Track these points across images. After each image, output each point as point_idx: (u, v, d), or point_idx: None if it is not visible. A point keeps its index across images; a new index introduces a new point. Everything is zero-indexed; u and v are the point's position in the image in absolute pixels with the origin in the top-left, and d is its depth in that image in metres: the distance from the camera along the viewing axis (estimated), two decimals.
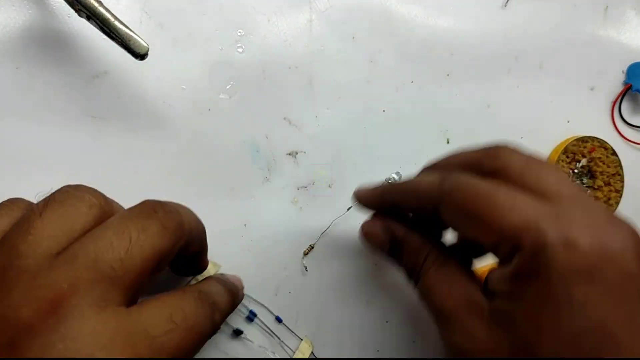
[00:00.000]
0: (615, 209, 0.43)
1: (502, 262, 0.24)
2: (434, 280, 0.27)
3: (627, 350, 0.21)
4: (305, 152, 0.36)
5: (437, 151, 0.40)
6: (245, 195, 0.35)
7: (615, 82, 0.44)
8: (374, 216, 0.32)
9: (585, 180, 0.42)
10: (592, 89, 0.44)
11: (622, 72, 0.44)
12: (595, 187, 0.42)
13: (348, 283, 0.37)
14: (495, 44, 0.41)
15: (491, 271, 0.25)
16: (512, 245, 0.22)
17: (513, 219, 0.22)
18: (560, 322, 0.21)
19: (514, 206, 0.22)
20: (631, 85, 0.43)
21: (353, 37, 0.38)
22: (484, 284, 0.26)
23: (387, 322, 0.37)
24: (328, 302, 0.36)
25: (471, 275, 0.27)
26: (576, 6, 0.43)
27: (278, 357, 0.35)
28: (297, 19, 0.36)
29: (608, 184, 0.43)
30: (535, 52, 0.42)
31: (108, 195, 0.32)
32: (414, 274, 0.29)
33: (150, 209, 0.21)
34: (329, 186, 0.37)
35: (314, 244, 0.36)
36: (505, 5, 0.41)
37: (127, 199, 0.32)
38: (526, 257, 0.22)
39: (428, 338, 0.38)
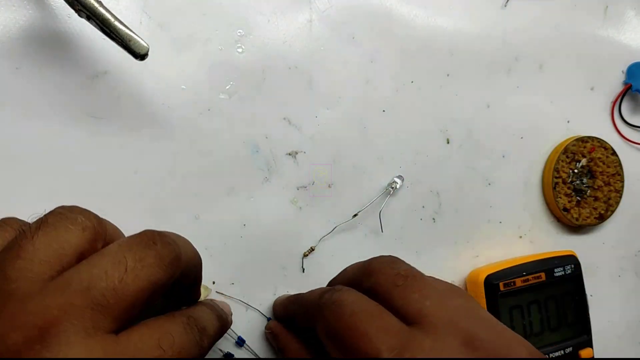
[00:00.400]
0: (615, 209, 0.43)
1: None
2: None
3: None
4: (305, 152, 0.36)
5: (437, 151, 0.40)
6: (244, 195, 0.35)
7: (615, 82, 0.44)
8: (269, 326, 0.34)
9: (585, 180, 0.42)
10: (592, 89, 0.44)
11: (622, 72, 0.44)
12: (595, 187, 0.42)
13: None
14: (495, 44, 0.41)
15: None
16: None
17: (357, 346, 0.23)
18: None
19: (366, 333, 0.23)
20: (631, 85, 0.43)
21: (353, 37, 0.38)
22: None
23: None
24: None
25: None
26: (576, 6, 0.43)
27: None
28: (297, 19, 0.36)
29: (608, 184, 0.43)
30: (535, 52, 0.42)
31: (108, 195, 0.32)
32: None
33: (149, 239, 0.21)
34: (329, 186, 0.37)
35: (314, 247, 0.36)
36: (505, 5, 0.41)
37: (127, 199, 0.32)
38: None
39: None
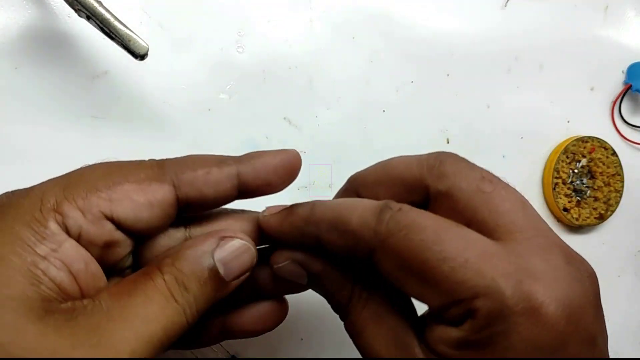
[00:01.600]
0: (615, 209, 0.43)
1: (447, 323, 0.20)
2: (361, 321, 0.23)
3: None
4: (305, 152, 0.36)
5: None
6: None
7: (615, 82, 0.44)
8: (283, 254, 0.24)
9: (585, 180, 0.42)
10: (592, 89, 0.44)
11: (622, 72, 0.44)
12: (595, 187, 0.42)
13: None
14: (495, 44, 0.41)
15: (431, 325, 0.21)
16: (463, 310, 0.19)
17: (466, 277, 0.18)
18: None
19: (467, 260, 0.19)
20: (631, 85, 0.43)
21: (353, 37, 0.38)
22: (422, 320, 0.22)
23: None
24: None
25: (404, 312, 0.23)
26: (576, 6, 0.43)
27: None
28: (297, 19, 0.36)
29: (608, 184, 0.43)
30: (535, 52, 0.42)
31: None
32: (340, 310, 0.24)
33: None
34: (329, 186, 0.37)
35: None
36: (505, 5, 0.41)
37: None
38: (480, 325, 0.18)
39: None
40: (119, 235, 0.21)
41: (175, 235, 0.23)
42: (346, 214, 0.21)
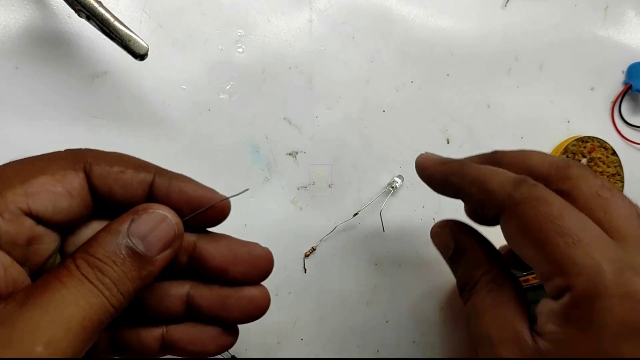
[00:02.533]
0: None
1: (550, 296, 0.23)
2: (482, 305, 0.26)
3: None
4: (305, 152, 0.36)
5: (437, 151, 0.40)
6: (245, 195, 0.35)
7: (615, 82, 0.44)
8: (446, 221, 0.30)
9: None
10: (592, 89, 0.44)
11: (622, 72, 0.44)
12: None
13: (348, 283, 0.37)
14: (495, 44, 0.41)
15: (541, 303, 0.24)
16: (565, 283, 0.21)
17: (576, 254, 0.21)
18: None
19: (580, 240, 0.21)
20: (631, 85, 0.43)
21: (353, 37, 0.38)
22: (534, 314, 0.25)
23: (387, 322, 0.37)
24: (328, 302, 0.36)
25: (522, 303, 0.25)
26: (576, 6, 0.43)
27: None
28: (297, 19, 0.36)
29: None
30: (535, 52, 0.42)
31: None
32: (466, 290, 0.27)
33: None
34: (329, 186, 0.37)
35: (315, 246, 0.36)
36: (505, 5, 0.41)
37: None
38: (578, 300, 0.21)
39: (428, 338, 0.38)
40: (40, 230, 0.20)
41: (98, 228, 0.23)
42: (489, 175, 0.25)
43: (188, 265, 0.24)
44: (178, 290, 0.24)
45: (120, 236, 0.20)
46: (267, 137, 0.36)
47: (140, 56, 0.28)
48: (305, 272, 0.36)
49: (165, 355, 0.25)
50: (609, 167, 0.42)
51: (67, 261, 0.19)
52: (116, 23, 0.27)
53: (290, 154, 0.36)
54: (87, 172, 0.21)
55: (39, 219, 0.20)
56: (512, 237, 0.24)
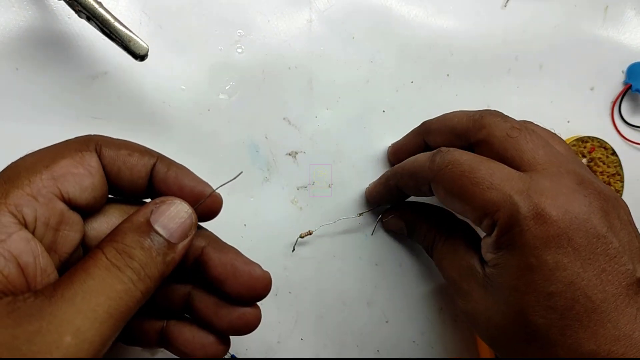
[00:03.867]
0: None
1: (486, 234, 0.27)
2: (441, 255, 0.32)
3: (599, 303, 0.23)
4: (305, 152, 0.36)
5: None
6: (244, 195, 0.35)
7: (615, 82, 0.44)
8: (390, 210, 0.36)
9: None
10: (592, 89, 0.44)
11: (622, 72, 0.44)
12: None
13: (348, 283, 0.37)
14: (495, 44, 0.41)
15: (483, 241, 0.29)
16: (491, 220, 0.26)
17: (491, 196, 0.25)
18: (536, 287, 0.24)
19: (492, 184, 0.25)
20: (631, 85, 0.43)
21: (353, 37, 0.38)
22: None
23: (387, 322, 0.37)
24: (328, 302, 0.36)
25: (473, 245, 0.30)
26: (576, 6, 0.43)
27: None
28: (297, 19, 0.36)
29: (608, 183, 0.43)
30: (535, 52, 0.42)
31: None
32: (429, 251, 0.33)
33: None
34: (329, 186, 0.37)
35: (312, 231, 0.36)
36: (505, 5, 0.41)
37: None
38: (502, 230, 0.25)
39: (428, 338, 0.38)
40: (70, 214, 0.21)
41: (114, 212, 0.24)
42: (411, 163, 0.31)
43: (193, 268, 0.25)
44: (181, 288, 0.25)
45: (144, 224, 0.21)
46: (266, 137, 0.36)
47: (140, 57, 0.28)
48: (293, 250, 0.35)
49: (159, 347, 0.26)
50: (609, 167, 0.42)
51: (94, 251, 0.20)
52: (116, 24, 0.27)
53: (290, 154, 0.36)
54: (98, 154, 0.23)
55: (68, 202, 0.21)
56: (442, 200, 0.29)
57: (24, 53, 0.31)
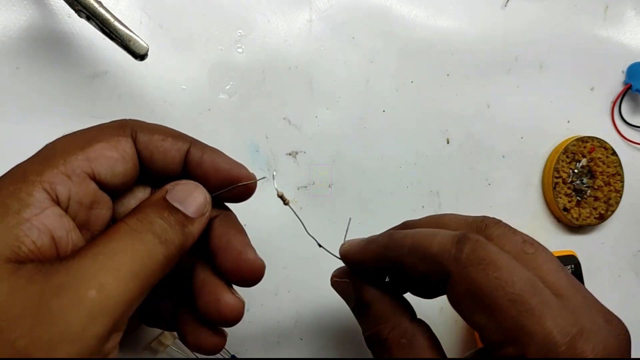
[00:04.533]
0: (615, 209, 0.43)
1: (492, 356, 0.22)
2: None
3: None
4: (305, 152, 0.36)
5: (437, 151, 0.40)
6: None
7: (615, 82, 0.44)
8: (345, 270, 0.28)
9: (585, 180, 0.42)
10: (592, 89, 0.44)
11: (622, 72, 0.44)
12: (595, 187, 0.42)
13: None
14: (495, 44, 0.41)
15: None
16: (518, 351, 0.21)
17: (529, 324, 0.20)
18: None
19: (533, 308, 0.21)
20: (631, 85, 0.43)
21: (353, 37, 0.38)
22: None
23: None
24: (328, 301, 0.36)
25: (439, 350, 0.25)
26: (576, 6, 0.43)
27: None
28: (297, 19, 0.36)
29: (608, 184, 0.43)
30: (535, 52, 0.42)
31: None
32: (376, 345, 0.26)
33: None
34: (329, 186, 0.37)
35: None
36: (505, 5, 0.41)
37: None
38: None
39: None
40: (101, 194, 0.22)
41: (142, 196, 0.25)
42: (426, 240, 0.23)
43: (203, 244, 0.25)
44: (187, 261, 0.26)
45: (161, 200, 0.22)
46: (267, 137, 0.36)
47: (140, 56, 0.28)
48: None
49: (168, 329, 0.28)
50: (609, 167, 0.42)
51: (117, 223, 0.21)
52: (116, 23, 0.27)
53: (290, 154, 0.36)
54: (133, 139, 0.23)
55: (100, 183, 0.22)
56: (461, 303, 0.23)
57: (24, 52, 0.31)
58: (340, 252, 0.28)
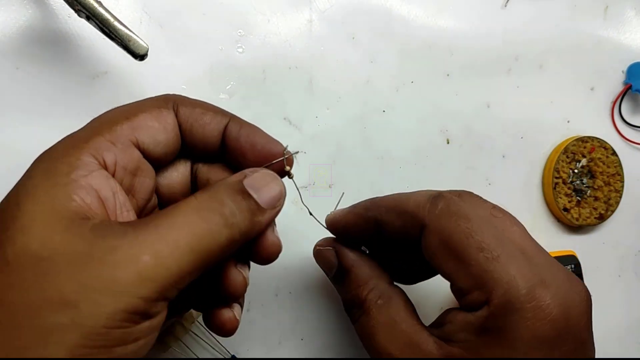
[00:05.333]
0: (615, 209, 0.43)
1: (465, 309, 0.24)
2: (375, 323, 0.26)
3: None
4: (305, 152, 0.36)
5: (437, 151, 0.40)
6: None
7: (615, 82, 0.44)
8: (329, 239, 0.30)
9: (585, 180, 0.42)
10: (592, 89, 0.44)
11: (622, 72, 0.44)
12: (595, 187, 0.42)
13: None
14: (495, 44, 0.41)
15: (449, 314, 0.25)
16: (483, 297, 0.22)
17: (495, 269, 0.22)
18: None
19: (499, 257, 0.22)
20: (631, 85, 0.43)
21: (353, 37, 0.38)
22: (438, 321, 0.26)
23: None
24: (328, 302, 0.36)
25: (413, 314, 0.26)
26: (576, 6, 0.43)
27: None
28: (297, 19, 0.36)
29: (608, 184, 0.43)
30: (535, 52, 0.42)
31: None
32: (354, 308, 0.27)
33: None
34: (329, 186, 0.37)
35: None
36: (505, 5, 0.41)
37: None
38: (495, 312, 0.22)
39: None
40: (144, 162, 0.23)
41: (183, 170, 0.26)
42: (403, 199, 0.26)
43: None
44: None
45: (238, 183, 0.22)
46: None
47: (140, 56, 0.28)
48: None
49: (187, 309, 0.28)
50: (609, 167, 0.42)
51: (187, 198, 0.21)
52: (116, 23, 0.27)
53: None
54: (175, 112, 0.24)
55: (143, 152, 0.23)
56: (433, 251, 0.24)
57: (24, 52, 0.31)
58: (326, 220, 0.30)
